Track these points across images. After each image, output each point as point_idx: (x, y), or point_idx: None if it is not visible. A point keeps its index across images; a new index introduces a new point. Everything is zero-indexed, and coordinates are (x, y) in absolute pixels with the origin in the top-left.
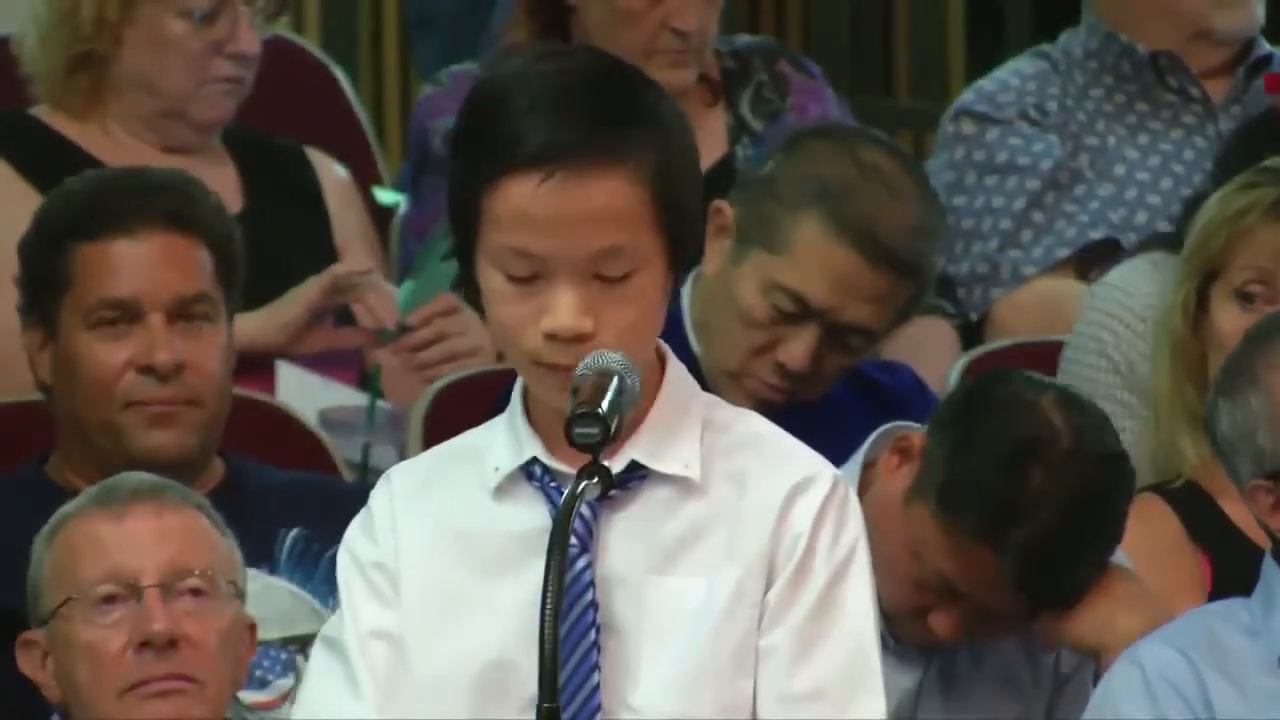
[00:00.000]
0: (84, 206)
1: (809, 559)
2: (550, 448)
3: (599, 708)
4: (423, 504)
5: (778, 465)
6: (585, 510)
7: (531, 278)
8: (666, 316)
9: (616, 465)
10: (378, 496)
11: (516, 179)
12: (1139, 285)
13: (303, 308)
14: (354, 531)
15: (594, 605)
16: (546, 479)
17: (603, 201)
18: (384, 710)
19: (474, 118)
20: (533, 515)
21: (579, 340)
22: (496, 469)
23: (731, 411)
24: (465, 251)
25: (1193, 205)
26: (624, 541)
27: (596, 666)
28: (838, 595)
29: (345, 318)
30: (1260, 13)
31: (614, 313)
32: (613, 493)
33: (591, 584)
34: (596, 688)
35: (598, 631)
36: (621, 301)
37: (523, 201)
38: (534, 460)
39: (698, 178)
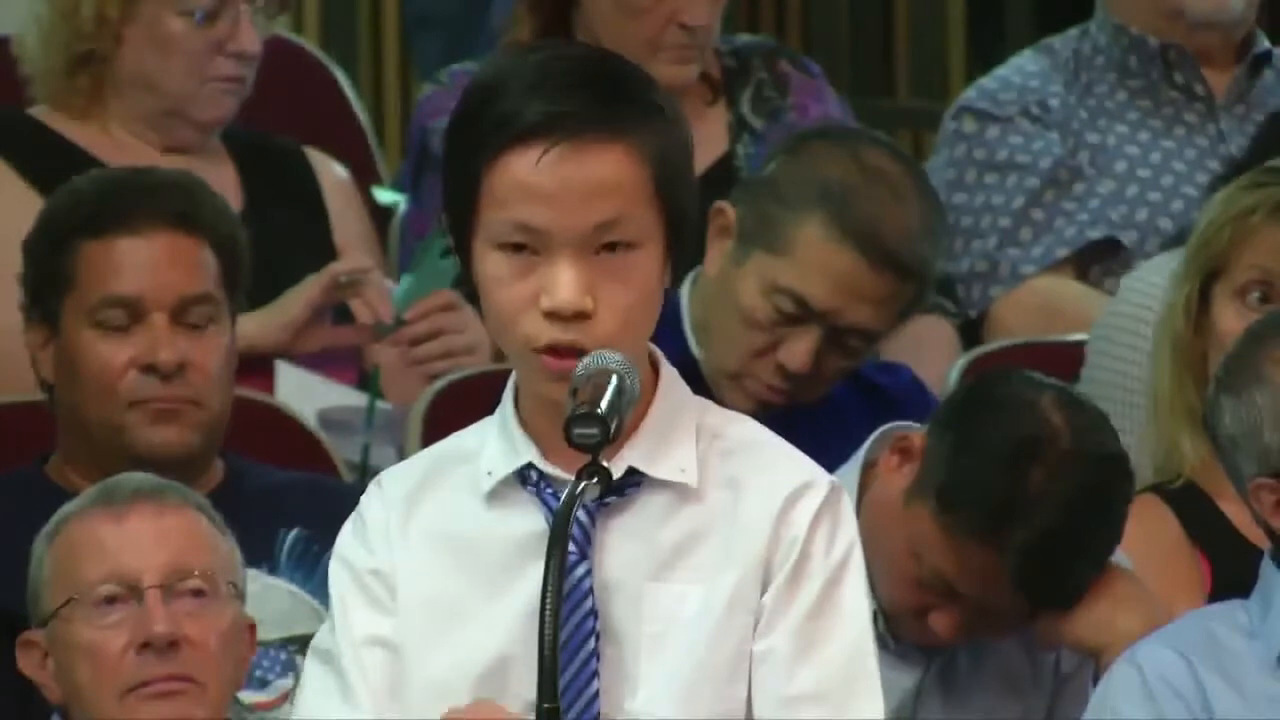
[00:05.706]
0: (90, 205)
1: (805, 563)
2: (545, 452)
3: (598, 715)
4: (417, 510)
5: (774, 471)
6: (583, 517)
7: (531, 257)
8: (666, 318)
9: (614, 472)
10: (370, 502)
11: (517, 152)
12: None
13: (303, 306)
14: (346, 539)
15: (594, 613)
16: (542, 485)
17: (603, 173)
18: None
19: (471, 102)
20: (528, 521)
21: (579, 318)
22: (489, 474)
23: (724, 416)
24: (462, 239)
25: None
26: (622, 548)
27: (596, 674)
28: (834, 598)
29: (343, 316)
30: None
31: (613, 292)
32: (610, 500)
33: (590, 591)
34: (596, 695)
35: (597, 639)
36: (621, 280)
37: (523, 173)
38: (529, 466)
39: (692, 170)
